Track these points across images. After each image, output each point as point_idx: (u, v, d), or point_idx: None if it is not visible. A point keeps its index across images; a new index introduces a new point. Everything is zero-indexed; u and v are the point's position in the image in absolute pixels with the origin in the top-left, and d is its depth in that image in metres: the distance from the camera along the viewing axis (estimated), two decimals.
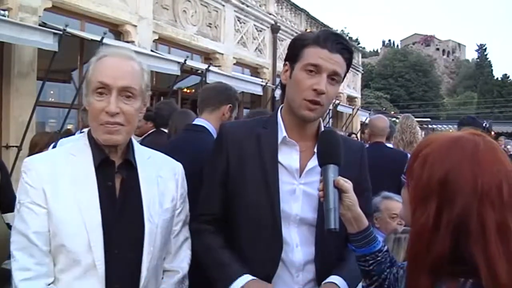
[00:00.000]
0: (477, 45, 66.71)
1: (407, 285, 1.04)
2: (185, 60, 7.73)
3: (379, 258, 1.30)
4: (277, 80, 10.92)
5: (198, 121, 2.37)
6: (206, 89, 2.55)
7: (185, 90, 10.19)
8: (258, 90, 10.46)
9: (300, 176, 1.53)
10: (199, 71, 8.74)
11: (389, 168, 3.15)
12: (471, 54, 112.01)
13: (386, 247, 1.34)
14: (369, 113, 17.29)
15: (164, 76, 8.06)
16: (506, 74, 54.10)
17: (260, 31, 11.94)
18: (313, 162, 1.49)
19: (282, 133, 1.55)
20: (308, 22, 14.78)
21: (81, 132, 3.65)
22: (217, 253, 1.54)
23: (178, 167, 1.61)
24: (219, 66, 9.97)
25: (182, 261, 1.59)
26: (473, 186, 0.93)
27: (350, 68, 1.59)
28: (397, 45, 79.73)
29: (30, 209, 1.35)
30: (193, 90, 9.85)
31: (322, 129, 1.59)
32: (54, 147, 2.95)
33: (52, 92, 7.71)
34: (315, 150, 1.45)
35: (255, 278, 1.46)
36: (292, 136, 1.55)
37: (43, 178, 1.37)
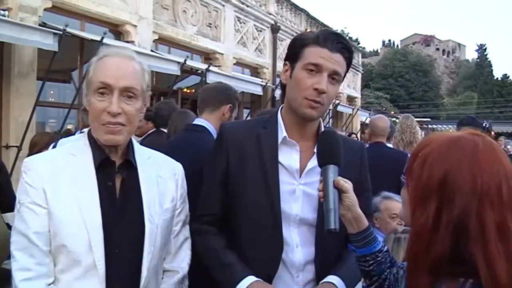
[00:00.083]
0: (477, 45, 66.82)
1: (407, 285, 1.04)
2: (185, 60, 7.73)
3: (379, 259, 1.30)
4: (277, 80, 10.91)
5: (198, 121, 2.37)
6: (206, 89, 2.55)
7: (185, 90, 10.18)
8: (258, 90, 10.45)
9: (300, 176, 1.53)
10: (199, 71, 8.74)
11: (389, 168, 3.14)
12: (471, 54, 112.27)
13: (386, 247, 1.34)
14: (369, 113, 17.31)
15: (164, 76, 8.06)
16: (506, 74, 54.04)
17: (260, 31, 11.93)
18: (313, 162, 1.49)
19: (282, 133, 1.55)
20: (308, 22, 14.77)
21: (81, 132, 3.64)
22: (220, 254, 1.54)
23: (178, 167, 1.61)
24: (219, 66, 9.97)
25: (182, 261, 1.59)
26: (473, 186, 0.93)
27: (350, 68, 1.59)
28: (397, 45, 79.72)
29: (30, 209, 1.35)
30: (193, 90, 9.85)
31: (322, 129, 1.59)
32: (54, 147, 2.96)
33: (52, 92, 7.70)
34: (315, 150, 1.45)
35: (259, 279, 1.46)
36: (292, 136, 1.55)
37: (43, 178, 1.37)
